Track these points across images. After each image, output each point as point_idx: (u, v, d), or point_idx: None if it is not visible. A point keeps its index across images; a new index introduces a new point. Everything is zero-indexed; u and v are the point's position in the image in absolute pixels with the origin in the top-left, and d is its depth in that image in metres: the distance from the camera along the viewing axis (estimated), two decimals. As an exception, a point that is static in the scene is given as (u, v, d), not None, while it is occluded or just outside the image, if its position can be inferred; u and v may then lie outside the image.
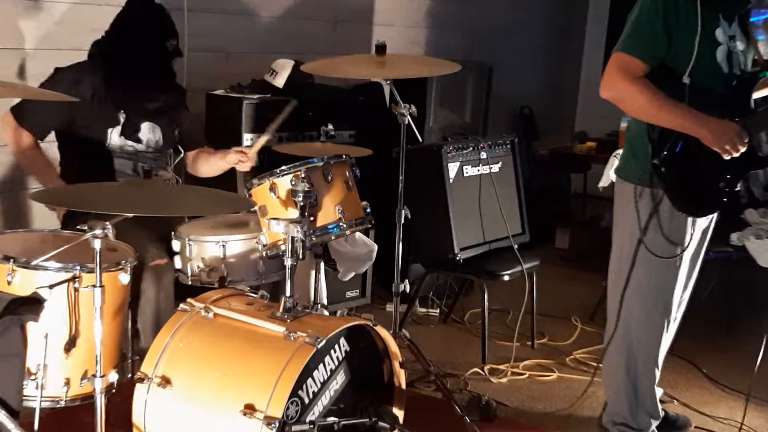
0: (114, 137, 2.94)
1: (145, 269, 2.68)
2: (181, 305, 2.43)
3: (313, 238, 2.60)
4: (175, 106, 3.12)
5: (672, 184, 2.58)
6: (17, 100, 2.92)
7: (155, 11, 3.01)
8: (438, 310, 4.26)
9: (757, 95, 2.66)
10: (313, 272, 3.03)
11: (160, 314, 2.60)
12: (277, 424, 2.07)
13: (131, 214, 2.07)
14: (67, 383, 2.29)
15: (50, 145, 3.20)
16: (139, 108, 2.98)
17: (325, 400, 2.31)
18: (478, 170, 3.88)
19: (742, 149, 2.53)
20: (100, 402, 2.14)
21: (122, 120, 2.94)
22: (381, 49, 3.00)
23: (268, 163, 3.40)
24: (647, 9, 2.53)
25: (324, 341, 2.19)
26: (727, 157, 2.53)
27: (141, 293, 2.68)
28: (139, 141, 2.99)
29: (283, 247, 2.49)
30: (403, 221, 3.12)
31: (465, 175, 3.82)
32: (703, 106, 2.52)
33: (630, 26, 2.57)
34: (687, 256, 2.72)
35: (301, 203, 2.47)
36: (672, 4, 2.51)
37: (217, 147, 3.28)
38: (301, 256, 2.42)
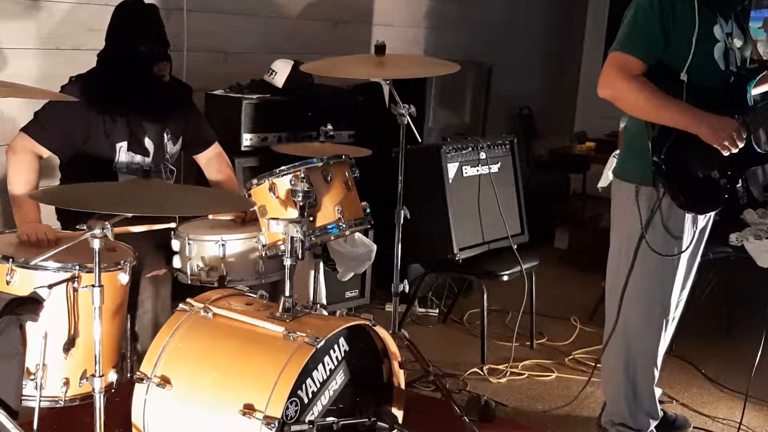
0: (122, 155, 2.89)
1: (142, 280, 2.68)
2: (181, 305, 2.43)
3: (313, 238, 2.60)
4: (173, 111, 3.01)
5: (673, 181, 2.59)
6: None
7: (126, 14, 2.89)
8: (437, 310, 4.26)
9: (755, 91, 2.66)
10: (312, 272, 3.04)
11: (158, 326, 2.57)
12: (277, 424, 2.07)
13: (131, 214, 2.07)
14: (66, 383, 2.30)
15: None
16: (139, 120, 2.90)
17: (324, 400, 2.31)
18: (478, 170, 3.88)
19: (741, 145, 2.53)
20: (99, 402, 2.14)
21: (126, 134, 2.88)
22: (380, 49, 3.00)
23: (267, 163, 3.40)
24: (644, 7, 2.54)
25: (323, 341, 2.19)
26: (726, 154, 2.54)
27: (138, 304, 2.68)
28: (146, 154, 2.94)
29: (282, 247, 2.49)
30: (402, 221, 3.12)
31: (464, 175, 3.82)
32: (700, 103, 2.53)
33: (627, 25, 2.58)
34: (685, 256, 2.72)
35: (301, 203, 2.47)
36: (668, 2, 2.51)
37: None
38: (300, 256, 2.42)
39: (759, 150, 2.63)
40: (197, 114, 3.23)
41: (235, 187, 3.19)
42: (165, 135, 3.00)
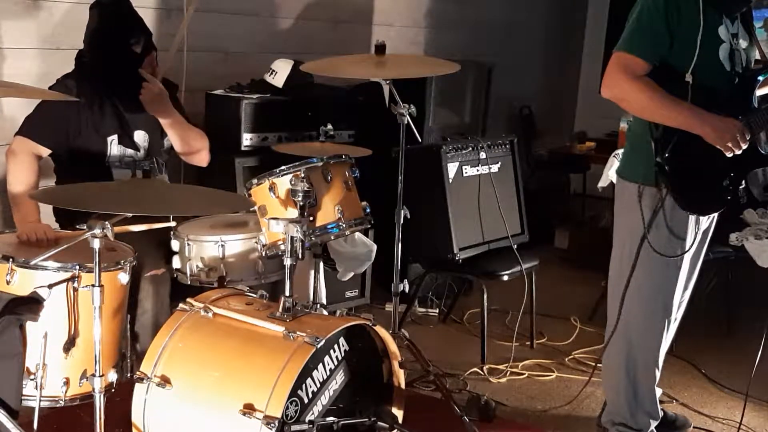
0: (113, 148, 2.91)
1: (142, 280, 2.68)
2: (180, 305, 2.43)
3: (313, 238, 2.60)
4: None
5: (676, 182, 2.58)
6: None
7: (111, 13, 2.90)
8: (437, 310, 4.26)
9: (760, 93, 2.66)
10: (312, 272, 3.04)
11: (157, 325, 2.57)
12: (277, 424, 2.07)
13: (130, 214, 2.07)
14: (66, 383, 2.30)
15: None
16: (125, 115, 2.92)
17: (324, 399, 2.31)
18: (478, 170, 3.88)
19: (744, 146, 2.53)
20: (100, 401, 2.14)
21: (116, 127, 2.90)
22: (380, 49, 3.00)
23: (267, 163, 3.39)
24: (648, 7, 2.53)
25: (323, 341, 2.19)
26: (729, 155, 2.53)
27: (138, 303, 2.69)
28: (137, 148, 2.96)
29: (282, 247, 2.49)
30: (402, 221, 3.12)
31: (464, 175, 3.83)
32: (705, 104, 2.52)
33: (631, 25, 2.57)
34: (687, 256, 2.72)
35: (301, 203, 2.47)
36: (673, 3, 2.50)
37: (216, 146, 3.25)
38: (300, 256, 2.42)
39: (762, 151, 2.63)
40: (181, 111, 3.22)
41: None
42: (154, 129, 3.01)
